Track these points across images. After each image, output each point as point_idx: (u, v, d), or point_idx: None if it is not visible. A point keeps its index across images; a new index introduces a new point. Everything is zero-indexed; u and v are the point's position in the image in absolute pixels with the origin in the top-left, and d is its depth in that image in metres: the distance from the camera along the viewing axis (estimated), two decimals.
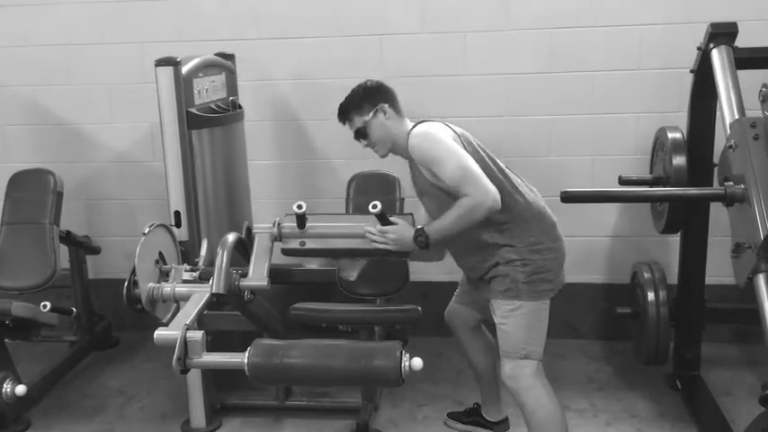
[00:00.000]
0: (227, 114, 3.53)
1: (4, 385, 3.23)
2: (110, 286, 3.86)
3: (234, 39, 3.99)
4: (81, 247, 4.09)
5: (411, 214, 2.73)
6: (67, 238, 3.92)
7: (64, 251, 3.91)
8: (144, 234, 2.58)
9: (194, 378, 3.30)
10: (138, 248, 2.51)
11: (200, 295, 2.46)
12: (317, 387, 3.56)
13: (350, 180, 3.70)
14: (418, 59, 3.97)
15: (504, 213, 2.64)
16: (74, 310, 3.85)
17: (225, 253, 2.54)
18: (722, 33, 3.09)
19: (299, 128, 4.16)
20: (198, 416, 3.37)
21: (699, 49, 3.23)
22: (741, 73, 2.99)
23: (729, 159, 2.72)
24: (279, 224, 2.67)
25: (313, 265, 3.52)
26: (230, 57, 3.76)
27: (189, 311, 2.34)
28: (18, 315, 3.25)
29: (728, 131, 2.79)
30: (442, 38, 3.94)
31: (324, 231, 2.69)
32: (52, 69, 4.24)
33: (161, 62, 3.16)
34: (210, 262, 2.64)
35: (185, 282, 2.61)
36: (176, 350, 2.12)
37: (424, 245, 2.60)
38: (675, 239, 3.70)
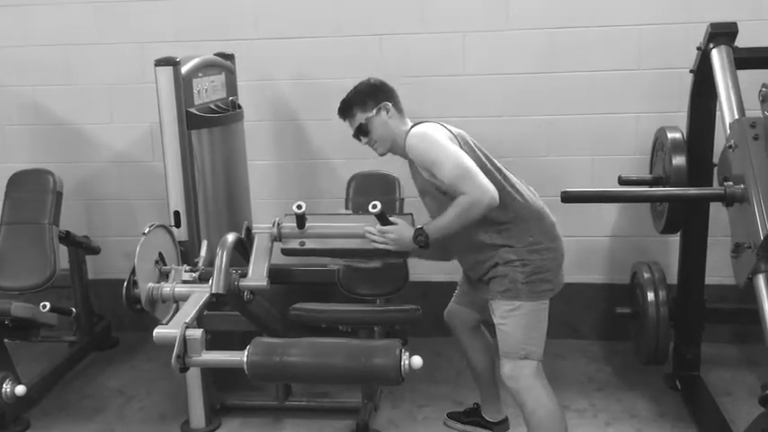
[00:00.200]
0: (226, 114, 3.53)
1: (4, 385, 3.22)
2: (109, 286, 3.86)
3: (233, 39, 3.99)
4: (80, 248, 4.09)
5: (411, 214, 2.72)
6: (67, 238, 3.92)
7: (63, 251, 3.91)
8: (144, 234, 2.58)
9: (194, 378, 3.30)
10: (137, 249, 2.51)
11: (199, 295, 2.46)
12: (317, 386, 3.56)
13: (349, 180, 3.70)
14: (418, 59, 3.97)
15: (503, 213, 2.64)
16: (73, 310, 3.85)
17: (224, 253, 2.54)
18: (722, 33, 3.09)
19: (298, 128, 4.16)
20: (197, 416, 3.37)
21: (698, 48, 3.23)
22: (741, 73, 2.99)
23: (729, 159, 2.72)
24: (278, 224, 2.66)
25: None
26: (230, 57, 3.76)
27: (188, 310, 2.34)
28: (18, 315, 3.25)
29: (728, 131, 2.79)
30: (441, 38, 3.94)
31: (323, 231, 2.69)
32: (52, 69, 4.24)
33: (161, 62, 3.16)
34: (210, 262, 2.64)
35: (185, 282, 2.61)
36: (176, 348, 2.12)
37: (424, 244, 2.60)
38: (675, 239, 3.70)
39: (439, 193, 2.67)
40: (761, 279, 2.48)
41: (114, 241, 4.33)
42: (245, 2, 4.04)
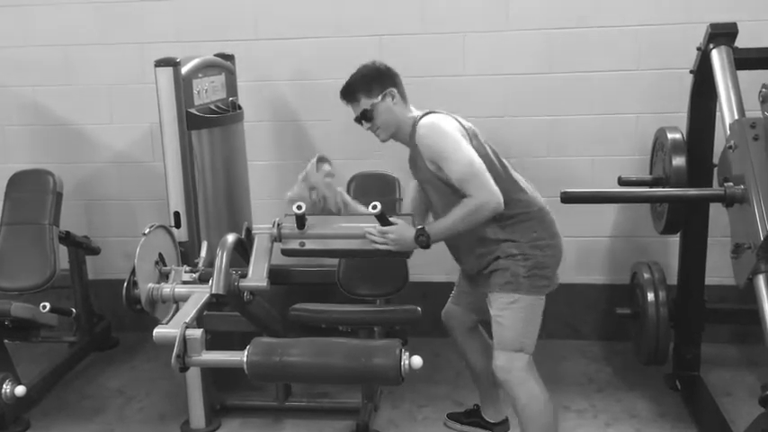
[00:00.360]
0: (226, 115, 3.53)
1: (4, 386, 3.22)
2: (109, 287, 3.85)
3: (233, 39, 3.99)
4: (80, 248, 4.09)
5: (411, 215, 2.73)
6: (67, 238, 3.92)
7: (63, 252, 3.91)
8: (144, 235, 2.57)
9: (194, 378, 3.30)
10: (137, 249, 2.51)
11: (199, 296, 2.45)
12: (317, 387, 3.56)
13: (349, 180, 3.70)
14: (418, 59, 3.97)
15: (508, 209, 2.65)
16: (73, 310, 3.84)
17: (224, 254, 2.54)
18: (722, 34, 3.09)
19: (298, 128, 4.16)
20: (197, 416, 3.37)
21: (698, 49, 3.23)
22: (740, 73, 2.99)
23: (729, 160, 2.72)
24: (278, 225, 2.66)
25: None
26: (230, 57, 3.76)
27: (188, 311, 2.34)
28: (18, 316, 3.25)
29: (728, 132, 2.79)
30: (441, 38, 3.94)
31: (323, 232, 2.69)
32: (52, 70, 4.24)
33: (161, 63, 3.16)
34: (210, 263, 2.64)
35: (185, 282, 2.60)
36: (175, 348, 2.12)
37: (426, 244, 2.60)
38: (675, 240, 3.70)
39: (442, 185, 2.67)
40: (761, 279, 2.48)
41: (114, 242, 4.33)
42: (245, 2, 4.04)
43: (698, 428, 3.25)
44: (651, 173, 3.71)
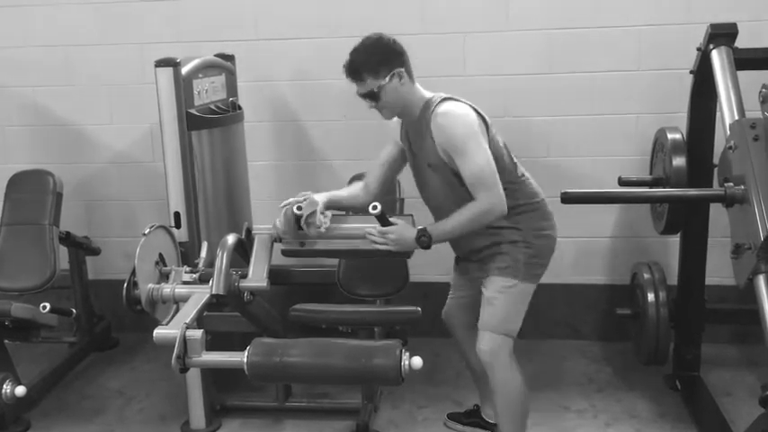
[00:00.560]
0: (226, 115, 3.53)
1: (4, 386, 3.22)
2: (109, 287, 3.85)
3: (233, 39, 3.99)
4: (81, 248, 4.09)
5: (411, 215, 2.73)
6: (67, 238, 3.92)
7: (63, 252, 3.91)
8: (144, 235, 2.58)
9: (194, 379, 3.30)
10: (137, 249, 2.51)
11: (199, 296, 2.46)
12: (317, 387, 3.56)
13: (350, 181, 3.69)
14: (418, 60, 3.91)
15: (513, 199, 2.67)
16: (73, 311, 3.84)
17: (225, 254, 2.54)
18: (722, 34, 3.09)
19: (298, 128, 4.16)
20: (197, 417, 3.37)
21: (698, 49, 3.23)
22: (740, 74, 2.99)
23: (729, 160, 2.72)
24: (277, 226, 2.67)
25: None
26: (230, 57, 3.76)
27: (188, 311, 2.34)
28: (18, 316, 3.24)
29: (728, 132, 2.79)
30: (441, 38, 3.94)
31: (324, 232, 2.69)
32: (52, 70, 4.24)
33: (161, 63, 3.16)
34: (210, 263, 2.64)
35: (185, 283, 2.61)
36: (176, 348, 2.12)
37: (427, 245, 2.61)
38: (675, 240, 3.70)
39: (450, 174, 2.66)
40: (761, 280, 2.48)
41: (114, 242, 4.33)
42: (245, 3, 4.04)
43: (698, 429, 3.25)
44: (651, 173, 3.71)
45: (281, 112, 4.16)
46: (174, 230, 3.07)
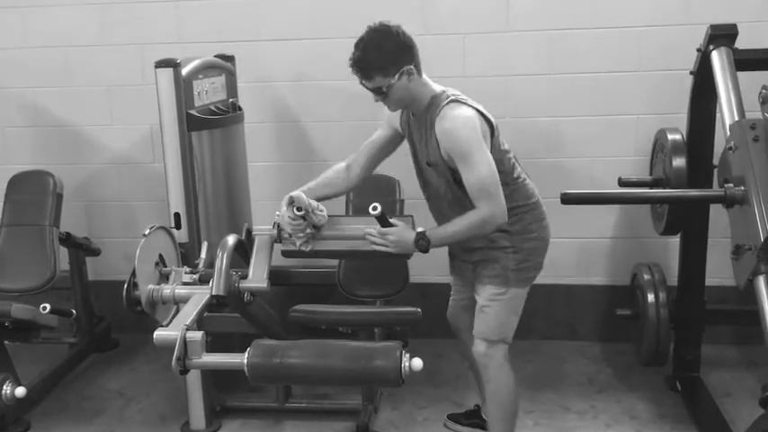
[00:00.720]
0: (226, 116, 3.53)
1: (4, 387, 3.22)
2: (110, 288, 3.85)
3: (234, 40, 3.99)
4: (81, 249, 4.09)
5: (411, 216, 2.73)
6: (67, 239, 3.92)
7: (64, 253, 3.91)
8: (144, 236, 2.58)
9: (194, 380, 3.30)
10: (137, 250, 2.51)
11: (199, 297, 2.46)
12: (317, 388, 3.56)
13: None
14: None
15: (508, 201, 2.65)
16: (73, 311, 3.84)
17: (225, 255, 2.54)
18: (722, 35, 3.09)
19: (298, 129, 4.16)
20: (197, 418, 3.37)
21: (698, 50, 3.23)
22: (741, 74, 2.99)
23: (729, 161, 2.72)
24: (278, 226, 2.66)
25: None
26: (230, 58, 3.76)
27: (189, 312, 2.34)
28: (18, 317, 3.24)
29: (728, 133, 2.79)
30: (441, 39, 3.94)
31: (324, 233, 2.69)
32: (52, 71, 4.24)
33: (161, 64, 3.16)
34: (210, 264, 2.64)
35: (185, 284, 2.61)
36: (176, 350, 2.12)
37: (425, 249, 2.61)
38: (675, 241, 3.70)
39: (451, 176, 2.65)
40: (761, 281, 2.48)
41: (114, 243, 4.33)
42: (246, 3, 4.04)
43: (698, 430, 3.25)
44: (651, 174, 3.71)
45: (281, 112, 4.16)
46: (174, 231, 3.07)
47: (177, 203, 3.26)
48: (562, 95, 3.93)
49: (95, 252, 4.19)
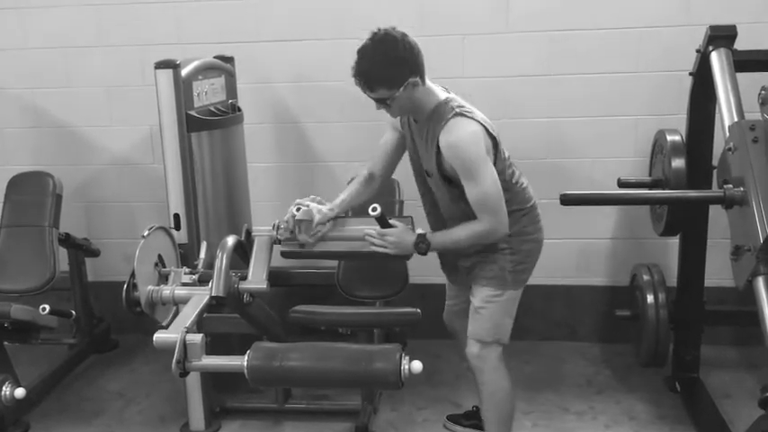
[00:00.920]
0: (226, 117, 3.53)
1: (3, 388, 3.20)
2: (109, 289, 3.83)
3: (233, 41, 3.99)
4: (80, 250, 4.09)
5: (411, 217, 2.73)
6: (67, 240, 3.92)
7: (63, 254, 3.91)
8: (143, 237, 2.57)
9: (193, 381, 3.30)
10: (137, 251, 2.51)
11: (199, 298, 2.45)
12: (317, 390, 3.56)
13: (349, 182, 3.69)
14: None
15: (508, 205, 2.65)
16: (73, 312, 3.83)
17: (224, 256, 2.54)
18: (721, 36, 3.09)
19: (298, 130, 4.16)
20: (197, 419, 3.37)
21: (698, 51, 3.23)
22: (740, 75, 2.99)
23: (728, 162, 2.72)
24: (278, 227, 2.66)
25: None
26: (230, 59, 3.76)
27: (188, 314, 2.34)
28: (17, 318, 3.24)
29: (727, 134, 2.79)
30: (440, 40, 3.94)
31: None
32: (51, 72, 4.23)
33: (160, 65, 3.16)
34: (210, 265, 2.64)
35: (185, 285, 2.60)
36: (176, 353, 2.12)
37: (424, 252, 2.62)
38: (675, 242, 3.70)
39: (453, 186, 2.65)
40: (760, 281, 2.48)
41: (114, 244, 4.32)
42: (245, 4, 4.04)
43: (697, 431, 3.26)
44: (651, 175, 3.71)
45: (280, 114, 4.16)
46: (174, 232, 3.07)
47: (177, 204, 3.26)
48: (561, 96, 3.93)
49: (95, 253, 4.19)
